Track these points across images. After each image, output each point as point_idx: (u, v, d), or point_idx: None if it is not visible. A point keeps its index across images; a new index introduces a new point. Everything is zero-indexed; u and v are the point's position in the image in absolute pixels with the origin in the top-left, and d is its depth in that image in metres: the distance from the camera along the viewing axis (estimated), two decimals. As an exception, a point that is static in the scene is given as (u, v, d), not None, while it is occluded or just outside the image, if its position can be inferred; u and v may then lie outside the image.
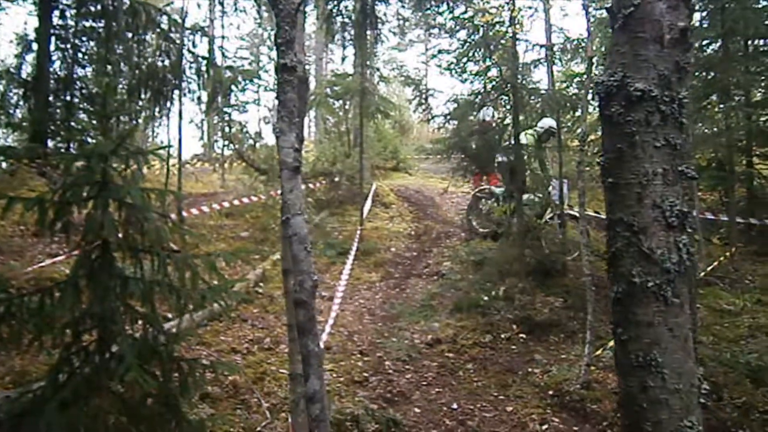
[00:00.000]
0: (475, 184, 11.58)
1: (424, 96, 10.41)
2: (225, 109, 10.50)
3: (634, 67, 1.93)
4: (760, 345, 6.10)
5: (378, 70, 15.04)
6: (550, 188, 9.27)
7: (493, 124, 9.91)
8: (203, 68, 5.25)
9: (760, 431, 4.75)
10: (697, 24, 10.13)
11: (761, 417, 4.88)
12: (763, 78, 9.78)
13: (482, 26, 9.25)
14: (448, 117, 10.33)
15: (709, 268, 8.08)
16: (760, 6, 9.54)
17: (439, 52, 11.30)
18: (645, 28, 1.92)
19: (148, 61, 4.47)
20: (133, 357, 2.71)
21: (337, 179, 12.62)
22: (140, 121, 8.12)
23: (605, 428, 4.97)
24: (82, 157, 2.89)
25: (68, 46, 7.22)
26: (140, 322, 3.11)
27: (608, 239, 2.03)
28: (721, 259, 8.49)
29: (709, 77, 9.65)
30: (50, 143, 11.61)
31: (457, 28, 10.16)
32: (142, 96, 4.44)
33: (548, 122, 9.52)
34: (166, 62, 4.57)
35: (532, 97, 9.35)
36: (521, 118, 9.15)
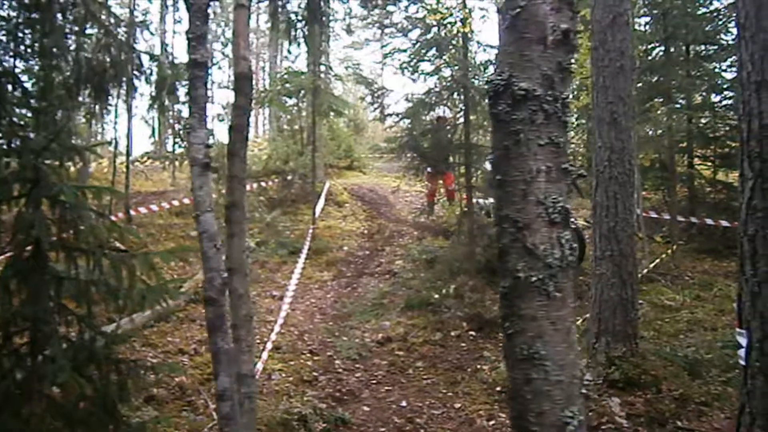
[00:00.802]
0: (430, 183, 11.61)
1: (377, 95, 10.43)
2: (175, 107, 10.28)
3: (519, 66, 1.98)
4: (698, 339, 6.33)
5: (331, 68, 15.01)
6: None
7: (447, 122, 9.97)
8: (146, 64, 5.16)
9: (696, 421, 4.92)
10: (642, 29, 10.46)
11: (697, 407, 5.06)
12: (703, 82, 10.14)
13: (434, 26, 9.33)
14: (401, 116, 10.39)
15: (651, 265, 8.33)
16: (699, 13, 9.88)
17: (393, 51, 11.35)
18: (530, 29, 1.98)
19: (88, 56, 4.35)
20: (67, 359, 2.63)
21: (289, 178, 12.53)
22: (82, 117, 7.88)
23: (550, 422, 5.06)
24: (13, 153, 2.79)
25: (9, 38, 6.94)
26: (76, 324, 3.02)
27: (497, 235, 2.08)
28: (663, 256, 8.77)
29: (653, 80, 9.96)
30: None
31: (410, 27, 10.22)
32: (82, 92, 4.31)
33: None
34: (107, 58, 4.46)
35: (484, 98, 9.46)
36: (473, 118, 9.27)
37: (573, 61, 2.08)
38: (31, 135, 3.11)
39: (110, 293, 2.90)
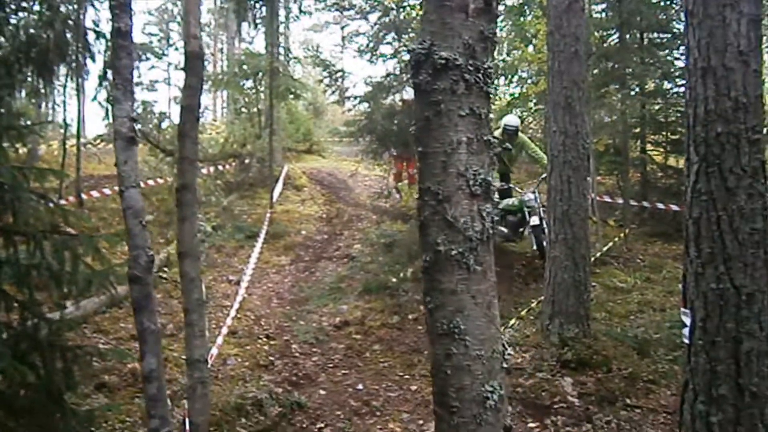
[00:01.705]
0: (397, 169, 11.54)
1: (335, 77, 10.35)
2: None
3: (441, 35, 1.96)
4: (647, 320, 6.51)
5: (290, 50, 14.80)
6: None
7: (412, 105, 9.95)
8: (93, 42, 4.96)
9: (644, 398, 5.07)
10: (598, 15, 10.59)
11: (645, 385, 5.21)
12: (656, 69, 10.34)
13: (393, 9, 9.28)
14: (360, 99, 10.34)
15: (605, 249, 8.50)
16: (654, 1, 10.06)
17: (353, 34, 11.27)
18: None
19: (31, 32, 4.16)
20: (7, 346, 2.54)
21: (247, 161, 12.35)
22: (23, 97, 7.57)
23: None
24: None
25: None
26: (17, 310, 2.92)
27: (418, 208, 2.07)
28: (616, 239, 8.97)
29: (608, 67, 10.11)
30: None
31: (369, 10, 10.15)
32: (24, 70, 4.13)
33: (507, 120, 8.80)
34: (51, 34, 4.27)
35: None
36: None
37: (495, 30, 2.05)
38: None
39: (53, 278, 2.80)
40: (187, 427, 3.65)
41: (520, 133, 8.89)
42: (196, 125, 3.84)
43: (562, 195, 6.01)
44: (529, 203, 8.09)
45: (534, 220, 7.94)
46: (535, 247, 7.99)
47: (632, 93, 10.16)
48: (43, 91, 6.39)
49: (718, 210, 3.21)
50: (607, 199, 10.13)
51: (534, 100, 15.02)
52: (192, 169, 3.80)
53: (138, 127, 12.50)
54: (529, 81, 13.97)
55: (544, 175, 7.44)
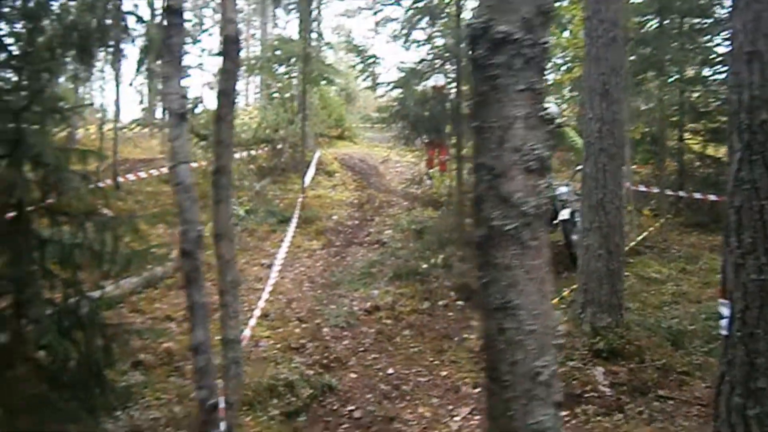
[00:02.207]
0: (428, 156, 11.52)
1: (368, 63, 10.33)
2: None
3: (499, 10, 1.93)
4: (681, 311, 6.40)
5: (322, 35, 14.80)
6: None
7: (443, 92, 9.88)
8: (132, 26, 5.04)
9: (677, 390, 5.00)
10: (636, 0, 10.35)
11: (678, 377, 5.14)
12: (696, 55, 10.08)
13: (426, -6, 9.21)
14: (393, 85, 10.31)
15: (639, 238, 8.38)
16: (694, -17, 9.79)
17: (386, 19, 11.23)
18: None
19: (73, 18, 4.25)
20: (52, 322, 2.62)
21: (279, 146, 12.42)
22: (66, 82, 7.73)
23: (534, 390, 5.12)
24: (-7, 113, 2.74)
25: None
26: (61, 287, 3.00)
27: (473, 184, 2.06)
28: (651, 229, 8.82)
29: (646, 53, 9.89)
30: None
31: (403, -6, 10.09)
32: (64, 53, 4.21)
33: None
34: (93, 19, 4.35)
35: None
36: (465, 87, 9.20)
37: (553, 5, 2.03)
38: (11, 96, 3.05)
39: (95, 257, 2.88)
40: (221, 405, 3.71)
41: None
42: (232, 110, 3.87)
43: (597, 183, 5.92)
44: (561, 196, 7.95)
45: (564, 214, 7.74)
46: (564, 241, 7.88)
47: (671, 80, 9.93)
48: (82, 75, 6.51)
49: (761, 199, 3.13)
50: (642, 188, 9.95)
51: (568, 87, 14.78)
52: (228, 153, 3.83)
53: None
54: (563, 67, 13.75)
55: (579, 167, 7.28)
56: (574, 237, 7.16)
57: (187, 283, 2.56)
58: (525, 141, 1.94)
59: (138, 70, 5.82)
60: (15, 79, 3.14)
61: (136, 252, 3.03)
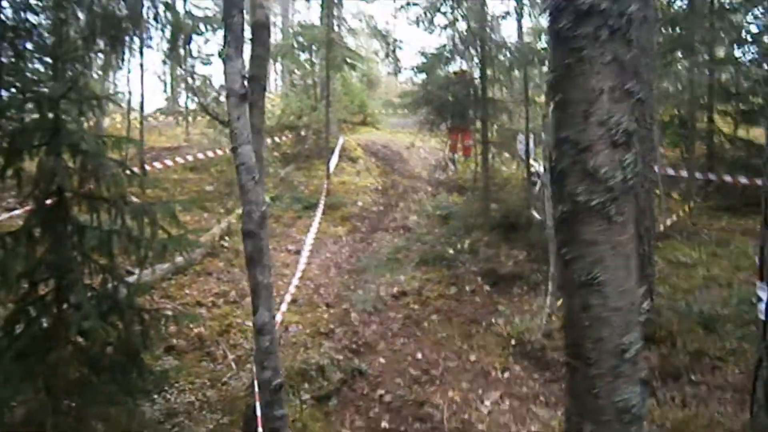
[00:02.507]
0: (452, 141, 11.45)
1: (391, 48, 10.27)
2: (188, 61, 10.18)
3: None
4: (713, 295, 6.31)
5: (345, 20, 14.70)
6: (517, 143, 9.28)
7: (467, 76, 9.80)
8: (162, 14, 5.05)
9: (710, 375, 4.94)
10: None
11: (711, 362, 5.08)
12: (727, 35, 9.84)
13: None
14: (417, 70, 10.24)
15: (668, 222, 8.26)
16: (726, -38, 9.55)
17: (408, 4, 11.11)
18: None
19: (103, 6, 4.28)
20: (92, 306, 2.67)
21: (303, 133, 12.44)
22: (98, 71, 7.79)
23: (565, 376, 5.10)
24: (32, 101, 2.77)
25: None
26: (100, 273, 3.05)
27: (555, 159, 2.02)
28: (680, 213, 8.69)
29: (675, 33, 9.68)
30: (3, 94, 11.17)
31: (425, -22, 9.98)
32: (97, 43, 4.25)
33: None
34: (123, 8, 4.40)
35: (501, 51, 9.29)
36: (489, 72, 9.12)
37: None
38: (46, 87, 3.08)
39: (132, 242, 2.92)
40: (256, 389, 3.76)
41: None
42: (263, 94, 3.90)
43: (627, 166, 5.83)
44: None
45: None
46: None
47: (700, 60, 9.71)
48: (114, 63, 6.57)
49: (801, 180, 3.06)
50: (671, 171, 9.79)
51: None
52: (260, 138, 3.86)
53: (197, 100, 12.77)
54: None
55: None
56: None
57: (250, 264, 2.58)
58: (611, 114, 1.89)
59: (168, 57, 5.83)
60: (46, 69, 3.17)
61: (172, 238, 3.06)
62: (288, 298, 6.31)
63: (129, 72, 11.50)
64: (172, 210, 3.00)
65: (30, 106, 2.74)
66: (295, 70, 14.01)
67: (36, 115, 2.81)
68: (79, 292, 2.70)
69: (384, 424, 4.46)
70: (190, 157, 11.55)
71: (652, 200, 6.09)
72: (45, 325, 2.86)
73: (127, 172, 3.10)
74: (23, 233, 2.72)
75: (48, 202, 2.79)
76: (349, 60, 11.94)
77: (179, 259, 7.00)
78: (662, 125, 9.40)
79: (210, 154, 11.60)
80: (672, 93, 10.23)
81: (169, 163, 11.05)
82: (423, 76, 10.36)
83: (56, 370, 2.90)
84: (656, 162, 7.86)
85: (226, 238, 8.23)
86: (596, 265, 1.93)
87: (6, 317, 2.89)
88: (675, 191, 9.81)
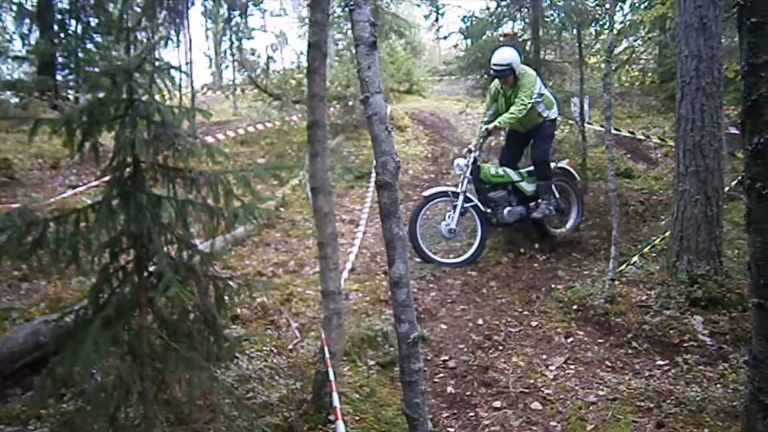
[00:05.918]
0: None
1: (440, 13, 10.09)
2: (236, 34, 10.24)
3: None
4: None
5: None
6: (571, 105, 9.06)
7: (515, 38, 9.56)
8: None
9: (785, 338, 4.79)
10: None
11: (787, 325, 4.91)
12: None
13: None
14: (465, 34, 10.05)
15: (733, 183, 7.97)
16: None
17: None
18: None
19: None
20: (172, 274, 2.73)
21: (350, 103, 12.41)
22: (157, 45, 7.92)
23: (630, 340, 5.03)
24: (106, 74, 2.81)
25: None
26: (174, 242, 3.11)
27: (747, 88, 1.91)
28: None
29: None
30: (59, 75, 11.47)
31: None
32: (157, 14, 4.30)
33: (495, 58, 6.86)
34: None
35: (552, 10, 9.03)
36: (542, 33, 8.88)
37: None
38: (115, 59, 3.13)
39: (208, 211, 2.96)
40: (326, 354, 3.82)
41: (521, 73, 6.82)
42: (324, 62, 3.87)
43: (694, 124, 5.63)
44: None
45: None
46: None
47: None
48: (173, 35, 6.65)
49: None
50: (734, 130, 9.41)
51: (646, 28, 14.01)
52: (321, 106, 3.85)
53: (247, 72, 12.86)
54: (642, 5, 13.04)
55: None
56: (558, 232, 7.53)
57: (385, 216, 2.57)
58: None
59: (225, 29, 5.85)
60: (114, 40, 3.19)
61: (245, 206, 3.09)
62: (349, 266, 6.36)
63: (177, 47, 11.59)
64: (246, 179, 3.03)
65: (104, 79, 2.77)
66: (341, 40, 13.93)
67: (110, 88, 2.84)
68: (161, 260, 2.76)
69: (450, 389, 4.49)
70: (240, 131, 11.68)
71: (720, 159, 5.88)
72: (127, 292, 2.95)
73: (200, 141, 3.14)
74: (104, 204, 2.79)
75: (126, 172, 2.85)
76: (395, 27, 11.80)
77: (240, 229, 7.13)
78: (726, 81, 8.99)
79: (260, 126, 11.70)
80: (737, 47, 9.76)
81: (220, 137, 11.20)
82: (469, 42, 10.16)
83: (139, 337, 2.99)
84: (722, 120, 7.57)
85: (282, 209, 8.33)
86: None
87: (91, 287, 2.98)
88: (738, 151, 9.44)
